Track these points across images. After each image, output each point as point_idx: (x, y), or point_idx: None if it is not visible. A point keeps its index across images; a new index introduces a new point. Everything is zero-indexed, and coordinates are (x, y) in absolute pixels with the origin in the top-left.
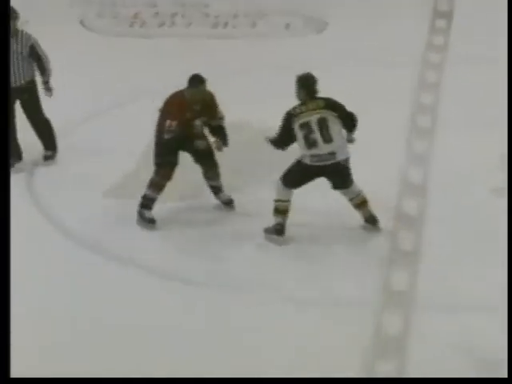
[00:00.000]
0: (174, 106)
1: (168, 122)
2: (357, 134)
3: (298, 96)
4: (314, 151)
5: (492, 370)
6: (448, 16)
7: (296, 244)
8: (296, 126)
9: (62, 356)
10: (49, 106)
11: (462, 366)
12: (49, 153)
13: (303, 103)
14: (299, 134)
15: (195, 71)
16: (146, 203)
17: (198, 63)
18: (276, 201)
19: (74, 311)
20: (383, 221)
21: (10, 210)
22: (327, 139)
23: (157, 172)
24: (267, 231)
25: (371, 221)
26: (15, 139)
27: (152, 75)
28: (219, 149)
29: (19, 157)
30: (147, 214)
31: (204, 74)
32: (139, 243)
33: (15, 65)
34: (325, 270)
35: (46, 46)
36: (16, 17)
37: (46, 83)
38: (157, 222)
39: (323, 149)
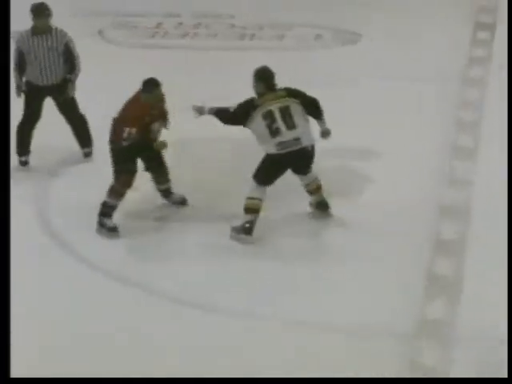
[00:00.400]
0: (132, 113)
1: (127, 130)
2: (390, 152)
3: (256, 89)
4: (278, 139)
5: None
6: (491, 28)
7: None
8: (258, 117)
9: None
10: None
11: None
12: (86, 149)
13: (263, 95)
14: (261, 124)
15: (220, 84)
16: (106, 211)
17: (223, 76)
18: (248, 198)
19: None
20: (420, 247)
21: (9, 211)
22: (290, 126)
23: (117, 179)
24: (235, 230)
25: (323, 206)
26: (29, 136)
27: (175, 88)
28: (163, 146)
29: (26, 152)
30: (108, 222)
31: (231, 87)
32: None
33: (49, 62)
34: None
35: None
36: (49, 14)
37: (71, 82)
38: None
39: (287, 135)
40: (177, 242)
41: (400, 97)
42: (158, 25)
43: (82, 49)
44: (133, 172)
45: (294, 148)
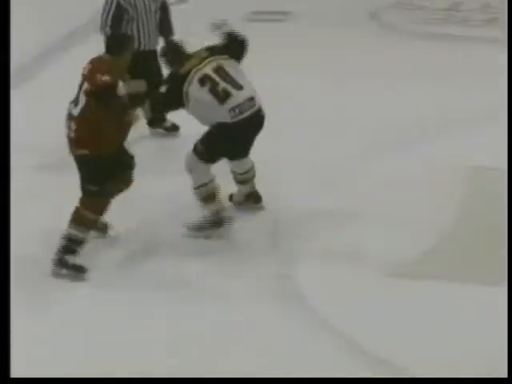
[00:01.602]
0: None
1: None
2: None
3: (171, 60)
4: (230, 103)
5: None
6: None
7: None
8: (194, 86)
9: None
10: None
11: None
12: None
13: (185, 61)
14: (202, 91)
15: None
16: (70, 246)
17: None
18: (200, 186)
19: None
20: None
21: (9, 207)
22: (236, 86)
23: (88, 203)
24: (202, 227)
25: (255, 198)
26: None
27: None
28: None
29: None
30: (72, 260)
31: None
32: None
33: (150, 22)
34: None
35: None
36: None
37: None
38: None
39: (239, 96)
40: None
41: None
42: (454, 5)
43: (347, 36)
44: (112, 194)
45: (252, 110)
